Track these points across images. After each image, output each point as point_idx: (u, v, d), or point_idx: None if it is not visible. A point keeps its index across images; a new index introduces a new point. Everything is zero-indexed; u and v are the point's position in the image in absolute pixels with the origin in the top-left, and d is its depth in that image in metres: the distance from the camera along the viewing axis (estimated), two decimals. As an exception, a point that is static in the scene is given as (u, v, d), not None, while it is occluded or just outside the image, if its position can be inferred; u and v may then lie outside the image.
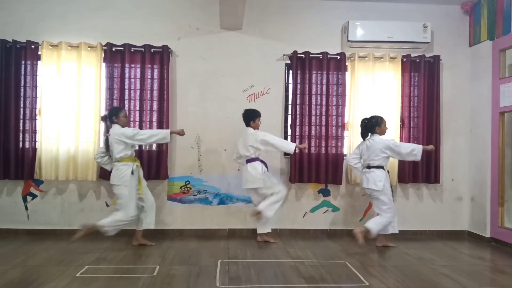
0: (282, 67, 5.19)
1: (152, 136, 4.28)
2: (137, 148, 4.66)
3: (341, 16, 5.17)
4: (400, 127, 5.10)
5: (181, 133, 4.44)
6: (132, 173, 4.26)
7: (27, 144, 4.81)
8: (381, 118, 4.50)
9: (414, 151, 4.35)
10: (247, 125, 4.61)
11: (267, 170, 4.65)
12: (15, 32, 4.87)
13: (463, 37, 5.34)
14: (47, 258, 3.89)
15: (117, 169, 4.25)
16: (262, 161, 4.62)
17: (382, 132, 4.50)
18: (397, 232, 4.54)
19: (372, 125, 4.48)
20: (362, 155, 4.55)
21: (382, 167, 4.40)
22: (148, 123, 4.89)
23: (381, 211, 4.38)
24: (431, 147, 4.57)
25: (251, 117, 4.61)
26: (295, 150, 4.56)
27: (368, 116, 4.57)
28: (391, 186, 4.51)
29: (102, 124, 4.80)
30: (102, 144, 4.59)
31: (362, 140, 4.59)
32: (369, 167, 4.44)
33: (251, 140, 4.49)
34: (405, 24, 5.03)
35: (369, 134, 4.52)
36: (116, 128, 4.28)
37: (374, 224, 4.26)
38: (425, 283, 3.38)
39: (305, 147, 4.78)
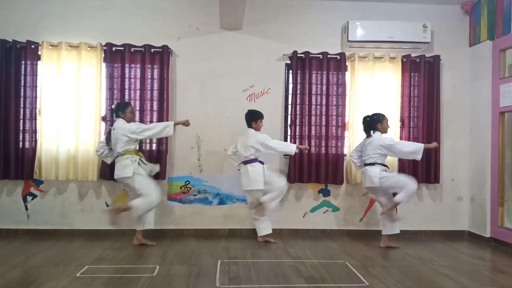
0: (282, 67, 5.19)
1: (156, 129, 4.29)
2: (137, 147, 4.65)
3: (341, 16, 5.17)
4: (400, 127, 5.11)
5: (186, 123, 4.45)
6: (138, 163, 4.30)
7: (27, 144, 4.81)
8: (383, 115, 4.51)
9: (414, 152, 4.32)
10: (249, 125, 4.61)
11: (268, 167, 4.62)
12: (15, 32, 4.86)
13: (463, 37, 5.34)
14: (47, 258, 3.88)
15: (120, 162, 4.27)
16: (261, 162, 4.60)
17: (384, 130, 4.49)
18: (398, 232, 4.54)
19: (373, 122, 4.48)
20: (362, 151, 4.58)
21: (376, 164, 4.37)
22: (148, 123, 4.87)
23: (398, 189, 4.29)
24: (434, 144, 4.55)
25: (253, 117, 4.61)
26: (296, 151, 4.58)
27: (369, 114, 4.57)
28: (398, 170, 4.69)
29: (103, 124, 4.86)
30: (102, 138, 4.64)
31: (365, 137, 4.59)
32: (365, 164, 4.47)
33: (252, 141, 4.48)
34: (405, 24, 5.03)
35: (371, 131, 4.51)
36: (120, 123, 4.31)
37: (401, 197, 4.25)
38: (425, 283, 3.38)
39: (306, 147, 4.77)
